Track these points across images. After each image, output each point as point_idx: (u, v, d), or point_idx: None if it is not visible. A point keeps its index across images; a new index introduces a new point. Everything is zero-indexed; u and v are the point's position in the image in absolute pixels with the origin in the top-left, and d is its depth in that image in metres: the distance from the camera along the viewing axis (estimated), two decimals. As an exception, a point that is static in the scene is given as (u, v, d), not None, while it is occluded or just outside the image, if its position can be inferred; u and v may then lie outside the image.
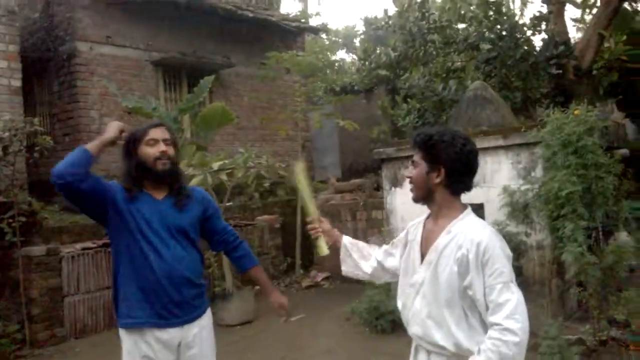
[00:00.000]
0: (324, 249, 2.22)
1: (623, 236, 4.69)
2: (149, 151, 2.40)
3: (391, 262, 2.16)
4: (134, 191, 2.40)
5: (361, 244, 2.30)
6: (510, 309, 1.69)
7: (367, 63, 8.56)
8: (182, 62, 8.64)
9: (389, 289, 5.43)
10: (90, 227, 6.45)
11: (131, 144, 2.43)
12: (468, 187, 1.90)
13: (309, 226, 2.27)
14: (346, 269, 2.27)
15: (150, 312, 2.35)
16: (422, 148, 1.88)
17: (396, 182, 5.79)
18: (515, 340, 1.66)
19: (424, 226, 1.98)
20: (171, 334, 2.38)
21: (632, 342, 4.03)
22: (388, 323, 5.07)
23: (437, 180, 1.85)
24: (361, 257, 2.24)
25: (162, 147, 2.41)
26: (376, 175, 7.01)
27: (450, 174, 1.84)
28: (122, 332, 2.43)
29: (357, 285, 6.09)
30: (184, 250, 2.43)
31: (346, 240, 2.28)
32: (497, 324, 1.69)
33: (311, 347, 5.01)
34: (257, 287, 7.05)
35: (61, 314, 5.63)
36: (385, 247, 2.23)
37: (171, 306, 2.37)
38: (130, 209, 2.37)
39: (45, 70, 8.08)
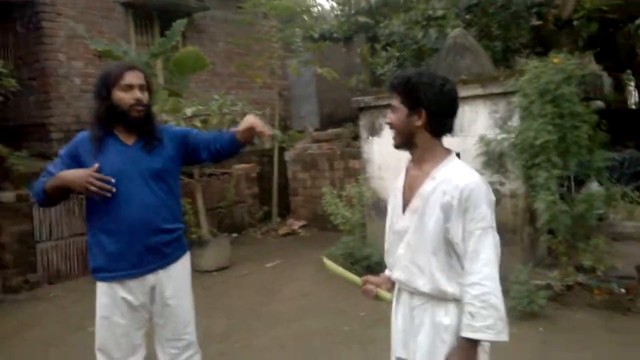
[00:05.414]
0: (387, 296, 2.05)
1: (594, 186, 4.78)
2: (123, 97, 2.30)
3: None
4: (101, 138, 2.32)
5: None
6: (487, 256, 1.70)
7: (346, 8, 8.34)
8: (154, 3, 8.25)
9: (364, 236, 5.50)
10: (62, 174, 6.30)
11: (104, 85, 2.32)
12: (450, 128, 1.85)
13: (364, 290, 2.06)
14: None
15: (124, 264, 2.33)
16: (400, 91, 1.81)
17: (374, 131, 5.75)
18: (497, 285, 1.69)
19: (407, 172, 1.94)
20: (145, 280, 2.38)
21: (596, 287, 4.20)
22: (364, 269, 5.13)
23: (419, 123, 1.79)
24: None
25: (137, 93, 2.32)
26: (354, 125, 6.95)
27: (431, 115, 1.78)
28: (98, 282, 2.42)
29: (333, 233, 6.17)
30: (157, 197, 2.37)
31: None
32: (476, 273, 1.69)
33: (287, 291, 5.09)
34: (234, 235, 7.08)
35: (34, 259, 5.58)
36: None
37: (145, 254, 2.35)
38: (100, 162, 2.29)
39: (9, 10, 7.65)
